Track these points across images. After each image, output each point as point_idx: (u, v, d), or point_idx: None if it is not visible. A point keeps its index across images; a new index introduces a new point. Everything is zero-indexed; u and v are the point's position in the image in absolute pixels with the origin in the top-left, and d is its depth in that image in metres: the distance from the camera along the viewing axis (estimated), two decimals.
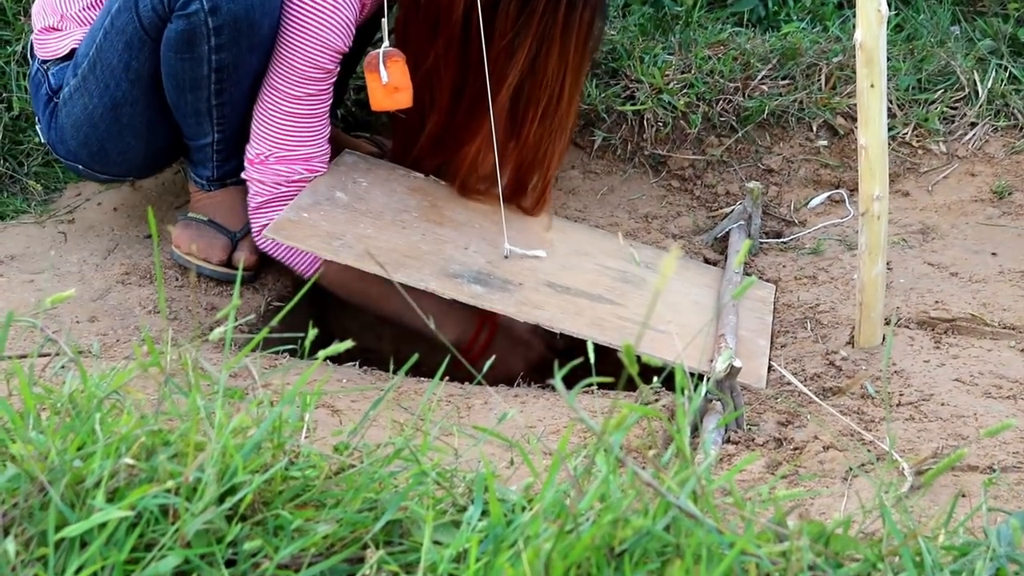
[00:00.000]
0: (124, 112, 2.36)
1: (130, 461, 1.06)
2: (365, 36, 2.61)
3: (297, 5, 2.23)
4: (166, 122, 2.39)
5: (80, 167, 2.49)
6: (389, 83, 2.23)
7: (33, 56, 2.48)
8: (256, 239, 2.42)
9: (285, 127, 2.32)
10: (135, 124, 2.38)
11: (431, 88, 2.38)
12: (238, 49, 2.22)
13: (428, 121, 2.44)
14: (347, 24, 2.26)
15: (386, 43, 2.23)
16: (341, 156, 2.48)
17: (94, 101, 2.35)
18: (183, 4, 2.16)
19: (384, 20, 2.23)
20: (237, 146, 2.41)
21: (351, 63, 2.71)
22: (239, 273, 1.35)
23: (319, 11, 2.23)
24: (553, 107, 2.36)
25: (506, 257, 2.32)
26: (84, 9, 2.41)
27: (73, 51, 2.39)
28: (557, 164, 2.48)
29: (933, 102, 2.99)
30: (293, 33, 2.24)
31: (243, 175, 2.38)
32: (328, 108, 2.37)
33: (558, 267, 2.35)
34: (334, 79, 2.34)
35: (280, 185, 2.35)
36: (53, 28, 2.43)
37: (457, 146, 2.44)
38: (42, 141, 2.55)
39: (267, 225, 2.28)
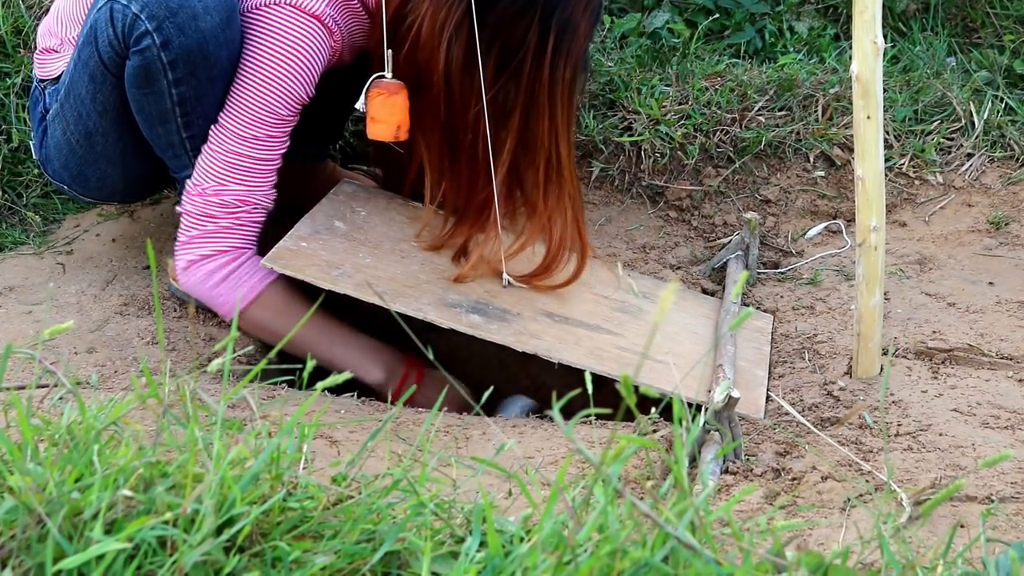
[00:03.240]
0: (97, 141, 2.35)
1: (128, 493, 1.05)
2: (357, 80, 2.58)
3: (260, 47, 2.20)
4: (140, 152, 2.36)
5: (65, 187, 2.50)
6: (367, 113, 2.21)
7: (34, 75, 2.50)
8: (180, 277, 2.30)
9: (231, 165, 2.24)
10: (108, 153, 2.38)
11: (422, 147, 2.35)
12: (197, 81, 2.19)
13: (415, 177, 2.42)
14: (310, 73, 2.22)
15: (387, 74, 2.22)
16: (340, 185, 2.48)
17: (70, 128, 2.35)
18: (136, 39, 2.13)
19: (388, 51, 2.22)
20: None
21: (346, 106, 2.69)
22: (237, 306, 1.36)
23: (282, 57, 2.19)
24: (555, 168, 2.31)
25: (504, 287, 2.32)
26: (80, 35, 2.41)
27: None
28: (584, 230, 2.41)
29: (930, 133, 3.00)
30: (252, 75, 2.20)
31: (177, 207, 2.31)
32: (280, 155, 2.28)
33: (556, 297, 2.35)
34: (290, 127, 2.27)
35: (211, 220, 2.25)
36: (52, 50, 2.43)
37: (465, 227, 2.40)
38: (35, 157, 2.56)
39: (194, 261, 2.24)
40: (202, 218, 2.25)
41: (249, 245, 2.28)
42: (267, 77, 2.20)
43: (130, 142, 2.35)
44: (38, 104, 2.47)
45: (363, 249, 2.29)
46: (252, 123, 2.22)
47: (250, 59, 2.21)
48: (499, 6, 2.15)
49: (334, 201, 2.40)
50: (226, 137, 2.23)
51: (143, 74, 2.17)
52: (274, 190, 2.30)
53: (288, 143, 2.29)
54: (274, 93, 2.20)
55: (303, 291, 2.26)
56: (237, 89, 2.22)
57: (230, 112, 2.23)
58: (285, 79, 2.20)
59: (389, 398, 2.24)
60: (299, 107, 2.25)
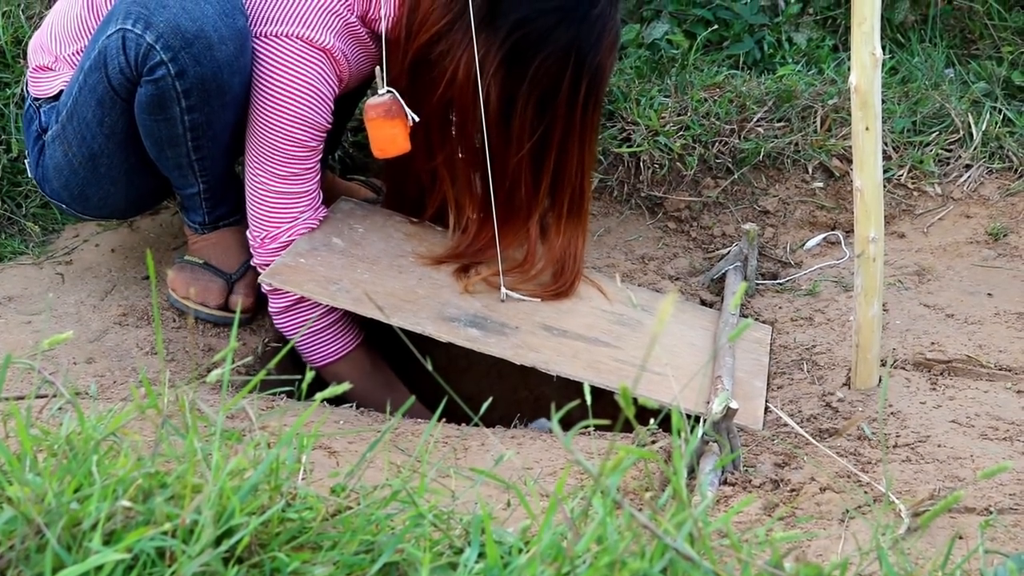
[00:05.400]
0: (102, 163, 2.35)
1: (127, 503, 1.05)
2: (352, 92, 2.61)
3: (275, 85, 2.22)
4: (145, 171, 2.38)
5: (63, 206, 2.51)
6: (368, 134, 2.24)
7: (28, 92, 2.49)
8: (276, 321, 2.40)
9: (278, 205, 2.31)
10: (113, 174, 2.38)
11: (447, 182, 2.41)
12: (210, 108, 2.20)
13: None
14: (326, 103, 2.26)
15: (382, 89, 2.23)
16: (337, 203, 2.48)
17: (72, 150, 2.35)
18: (150, 70, 2.13)
19: (379, 67, 2.23)
20: (225, 192, 2.42)
21: (342, 117, 2.70)
22: (236, 316, 1.36)
23: (299, 91, 2.22)
24: (577, 201, 2.37)
25: (502, 300, 2.32)
26: (76, 53, 2.38)
27: (62, 92, 2.39)
28: (582, 255, 2.47)
29: (928, 144, 3.01)
30: (273, 113, 2.23)
31: (252, 262, 2.39)
32: (317, 177, 2.35)
33: (554, 310, 2.36)
34: (319, 155, 2.33)
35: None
36: (47, 67, 2.42)
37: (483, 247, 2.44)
38: (31, 176, 2.55)
39: (290, 306, 2.34)
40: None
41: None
42: (287, 112, 2.23)
43: (135, 163, 2.36)
44: (33, 122, 2.46)
45: (361, 265, 2.29)
46: (285, 161, 2.27)
47: (267, 97, 2.24)
48: (539, 55, 2.18)
49: (332, 218, 2.41)
50: (268, 180, 2.29)
51: (156, 102, 2.18)
52: (322, 207, 2.39)
53: (319, 168, 2.36)
54: (297, 126, 2.24)
55: (381, 355, 2.46)
56: (261, 130, 2.26)
57: (262, 156, 2.28)
58: (305, 111, 2.23)
59: None
60: (323, 135, 2.30)
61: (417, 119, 2.25)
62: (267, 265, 2.28)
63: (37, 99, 2.44)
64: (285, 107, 2.22)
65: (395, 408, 2.26)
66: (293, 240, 2.31)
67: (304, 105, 2.23)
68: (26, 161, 2.55)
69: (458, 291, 2.31)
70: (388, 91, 2.23)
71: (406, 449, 1.90)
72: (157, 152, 2.29)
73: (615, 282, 2.57)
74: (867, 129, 1.97)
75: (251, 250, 2.37)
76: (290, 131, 2.24)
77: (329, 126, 2.29)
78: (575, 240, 2.41)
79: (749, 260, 2.67)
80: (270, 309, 2.37)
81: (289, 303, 2.34)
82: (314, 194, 2.35)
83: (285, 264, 2.21)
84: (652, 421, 1.63)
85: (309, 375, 1.28)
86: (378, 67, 2.23)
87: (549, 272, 2.42)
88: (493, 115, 2.23)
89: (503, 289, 2.33)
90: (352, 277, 2.24)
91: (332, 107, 2.29)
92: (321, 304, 2.29)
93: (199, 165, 2.32)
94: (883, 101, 2.68)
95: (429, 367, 1.34)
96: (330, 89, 2.26)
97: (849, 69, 1.98)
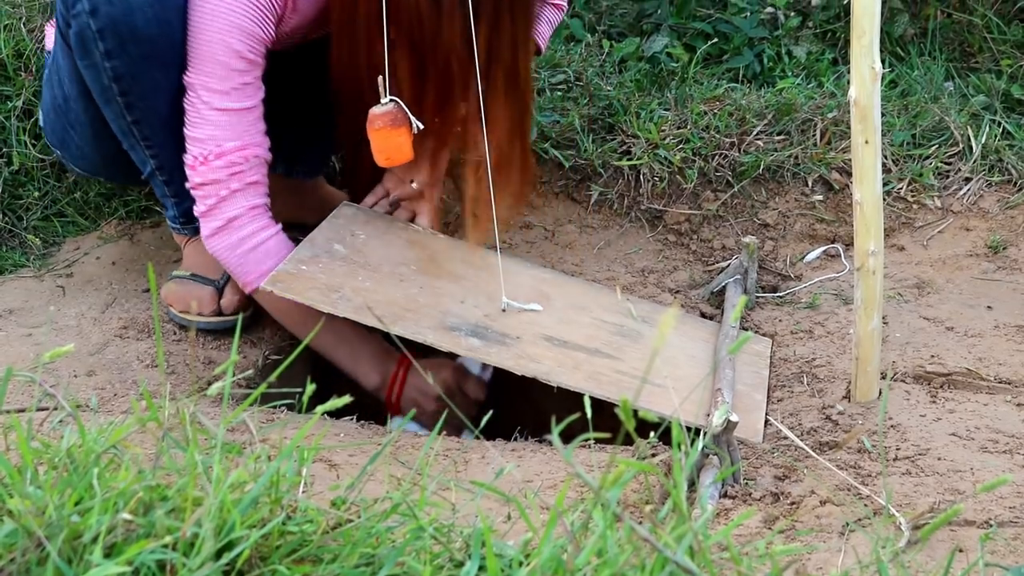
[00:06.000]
0: (71, 108, 2.39)
1: (128, 516, 1.06)
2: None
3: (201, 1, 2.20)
4: (107, 131, 2.38)
5: (58, 153, 2.56)
6: (371, 143, 2.25)
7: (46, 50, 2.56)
8: (207, 243, 2.33)
9: (217, 124, 2.25)
10: (80, 121, 2.41)
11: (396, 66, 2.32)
12: (129, 58, 2.20)
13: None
14: (264, 11, 2.21)
15: (385, 98, 2.23)
16: (339, 208, 2.49)
17: (54, 91, 2.42)
18: (71, 4, 2.17)
19: (381, 77, 2.23)
20: (183, 180, 2.38)
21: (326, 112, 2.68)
22: (238, 320, 1.35)
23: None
24: (512, 80, 2.31)
25: (504, 310, 2.33)
26: None
27: None
28: (528, 145, 2.43)
29: (928, 157, 3.01)
30: (207, 22, 2.19)
31: (186, 185, 2.32)
32: (261, 101, 2.29)
33: (555, 321, 2.36)
34: (260, 70, 2.26)
35: (222, 186, 2.27)
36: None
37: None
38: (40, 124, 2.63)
39: (221, 228, 2.28)
40: (213, 186, 2.27)
41: (264, 200, 2.32)
42: (223, 20, 2.19)
43: (96, 113, 2.35)
44: (44, 71, 2.55)
45: (362, 272, 2.30)
46: (225, 75, 2.22)
47: (198, 13, 2.20)
48: None
49: (334, 224, 2.41)
50: (204, 100, 2.23)
51: (80, 42, 2.19)
52: (267, 138, 2.31)
53: (263, 90, 2.29)
54: (235, 35, 2.19)
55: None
56: (194, 46, 2.21)
57: (197, 73, 2.22)
58: (236, 17, 2.19)
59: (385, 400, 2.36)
60: (262, 48, 2.24)
61: (422, 126, 2.25)
62: (205, 185, 2.26)
63: (50, 51, 2.50)
64: (221, 15, 2.18)
65: (325, 330, 2.32)
66: (229, 168, 2.26)
67: (240, 12, 2.19)
68: (40, 113, 2.63)
69: (458, 300, 2.31)
70: (392, 100, 2.23)
71: (406, 462, 1.90)
72: (104, 111, 2.30)
73: (614, 294, 2.57)
74: (867, 142, 1.97)
75: (188, 171, 2.29)
76: (227, 40, 2.19)
77: (268, 41, 2.24)
78: (519, 122, 2.36)
79: (749, 273, 2.67)
80: (202, 234, 2.33)
81: (222, 224, 2.30)
82: (256, 120, 2.28)
83: (286, 271, 2.21)
84: (652, 434, 1.63)
85: (310, 388, 1.29)
86: (380, 77, 2.23)
87: (495, 157, 2.34)
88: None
89: (504, 298, 2.33)
90: (353, 285, 2.24)
91: (274, 21, 2.24)
92: (256, 222, 2.29)
93: (139, 132, 2.30)
94: (883, 114, 2.68)
95: (429, 380, 1.34)
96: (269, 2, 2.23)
97: (849, 82, 1.98)
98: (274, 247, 2.32)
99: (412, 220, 2.53)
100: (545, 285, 2.51)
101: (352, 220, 2.46)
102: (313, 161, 2.84)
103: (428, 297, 2.30)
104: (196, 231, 2.42)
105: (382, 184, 2.55)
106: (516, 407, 2.62)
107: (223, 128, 2.24)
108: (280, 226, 2.35)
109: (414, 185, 2.48)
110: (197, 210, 2.31)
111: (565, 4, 2.64)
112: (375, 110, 2.23)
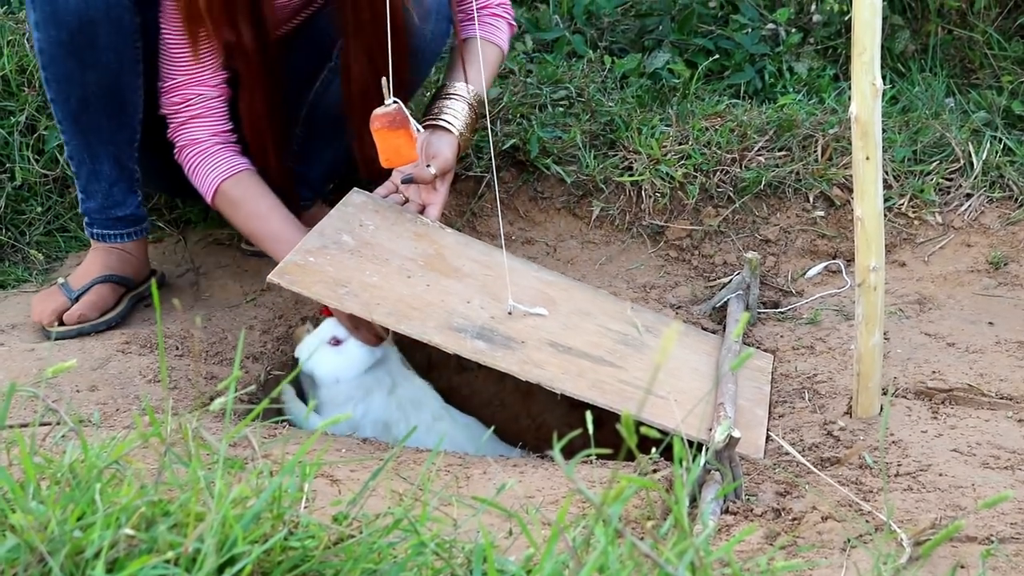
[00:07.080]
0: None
1: (130, 531, 1.06)
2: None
3: None
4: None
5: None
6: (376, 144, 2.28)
7: None
8: (178, 158, 2.49)
9: (172, 59, 2.41)
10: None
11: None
12: (50, 38, 2.30)
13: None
14: None
15: (388, 100, 2.24)
16: (349, 196, 2.46)
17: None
18: None
19: (384, 79, 2.24)
20: (89, 180, 2.49)
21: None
22: (240, 343, 1.36)
23: None
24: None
25: (510, 313, 2.31)
26: None
27: None
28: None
29: (929, 173, 3.01)
30: None
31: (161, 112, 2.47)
32: (214, 58, 2.42)
33: (560, 327, 2.35)
34: (212, 24, 2.37)
35: (180, 112, 2.45)
36: None
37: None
38: None
39: (183, 147, 2.45)
40: (174, 110, 2.45)
41: (222, 127, 2.48)
42: None
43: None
44: None
45: (370, 267, 2.27)
46: (175, 16, 2.36)
47: None
48: None
49: (343, 212, 2.39)
50: (166, 37, 2.40)
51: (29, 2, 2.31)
52: (224, 85, 2.46)
53: (222, 55, 2.43)
54: None
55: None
56: None
57: (162, 15, 2.38)
58: None
59: None
60: None
61: (422, 130, 2.26)
62: (163, 108, 2.44)
63: None
64: None
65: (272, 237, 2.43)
66: (185, 102, 2.44)
67: None
68: None
69: (465, 300, 2.30)
70: (394, 101, 2.24)
71: (408, 477, 1.90)
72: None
73: (619, 300, 2.56)
74: (868, 158, 1.98)
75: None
76: None
77: None
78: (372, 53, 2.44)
79: (751, 289, 2.67)
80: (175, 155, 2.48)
81: (184, 143, 2.46)
82: (208, 65, 2.43)
83: (294, 263, 2.19)
84: (654, 450, 1.64)
85: (312, 403, 1.29)
86: (384, 78, 2.23)
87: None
88: None
89: (510, 301, 2.32)
90: (360, 280, 2.22)
91: None
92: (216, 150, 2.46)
93: (55, 112, 2.43)
94: (884, 130, 2.69)
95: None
96: None
97: (850, 98, 1.99)
98: (217, 157, 2.48)
99: (421, 212, 2.51)
100: (550, 288, 2.49)
101: (362, 209, 2.44)
102: (314, 186, 2.84)
103: (435, 295, 2.28)
104: (94, 235, 2.56)
105: (392, 177, 2.55)
106: (517, 422, 2.62)
107: (175, 66, 2.43)
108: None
109: (431, 169, 2.46)
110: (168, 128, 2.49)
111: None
112: (377, 110, 2.24)
